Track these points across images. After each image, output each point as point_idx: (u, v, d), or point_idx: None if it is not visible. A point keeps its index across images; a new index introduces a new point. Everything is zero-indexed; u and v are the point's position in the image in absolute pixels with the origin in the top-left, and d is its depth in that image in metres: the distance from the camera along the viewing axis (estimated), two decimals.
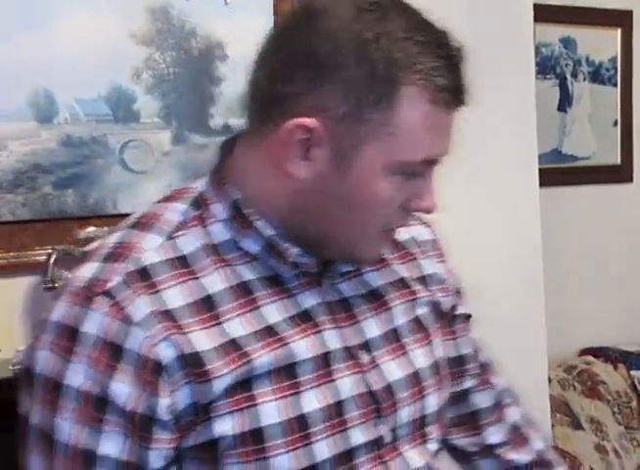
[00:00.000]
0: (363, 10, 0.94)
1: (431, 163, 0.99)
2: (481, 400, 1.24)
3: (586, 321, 3.16)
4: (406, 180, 0.98)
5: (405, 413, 1.07)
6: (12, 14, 1.99)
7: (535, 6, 2.54)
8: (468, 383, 1.24)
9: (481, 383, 1.25)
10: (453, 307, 1.21)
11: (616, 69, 3.24)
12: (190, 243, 1.00)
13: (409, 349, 1.09)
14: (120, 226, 1.05)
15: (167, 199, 1.06)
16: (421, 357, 1.10)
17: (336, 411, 1.01)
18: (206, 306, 0.98)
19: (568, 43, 3.14)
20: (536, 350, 2.49)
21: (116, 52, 2.13)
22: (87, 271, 0.98)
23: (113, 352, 0.94)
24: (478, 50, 2.92)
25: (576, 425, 2.85)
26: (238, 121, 2.33)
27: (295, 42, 0.96)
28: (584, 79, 3.20)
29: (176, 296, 0.97)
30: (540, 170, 2.60)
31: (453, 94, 0.97)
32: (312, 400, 0.99)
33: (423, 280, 1.15)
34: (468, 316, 1.23)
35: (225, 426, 0.96)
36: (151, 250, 0.99)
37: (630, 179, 3.32)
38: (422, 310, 1.13)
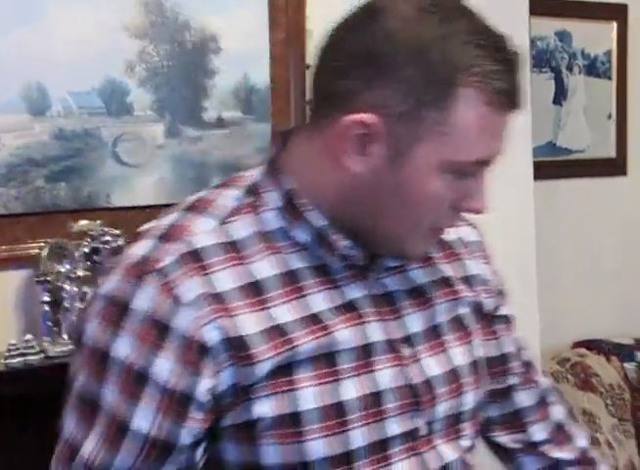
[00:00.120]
0: (424, 11, 0.97)
1: (483, 163, 1.01)
2: (525, 399, 1.27)
3: (580, 314, 3.17)
4: (458, 179, 1.00)
5: (442, 408, 1.09)
6: (5, 7, 1.98)
7: (531, 0, 2.54)
8: (511, 381, 1.26)
9: (525, 381, 1.27)
10: (495, 308, 1.23)
11: (611, 62, 3.24)
12: (242, 229, 1.03)
13: (448, 346, 1.12)
14: (174, 209, 1.08)
15: (222, 185, 1.09)
16: (460, 356, 1.12)
17: (373, 401, 1.03)
18: (254, 291, 1.00)
19: (563, 37, 3.14)
20: (530, 342, 2.49)
21: (110, 45, 2.12)
22: (140, 249, 1.01)
23: (159, 329, 0.97)
24: None
25: None
26: (231, 114, 2.35)
27: (356, 40, 0.98)
28: (579, 73, 3.20)
29: (226, 279, 0.99)
30: (535, 163, 2.60)
31: (508, 97, 0.99)
32: (351, 389, 1.01)
33: (467, 280, 1.17)
34: (509, 317, 1.26)
35: (264, 408, 0.99)
36: (204, 233, 1.02)
37: (624, 173, 3.32)
38: (464, 310, 1.15)
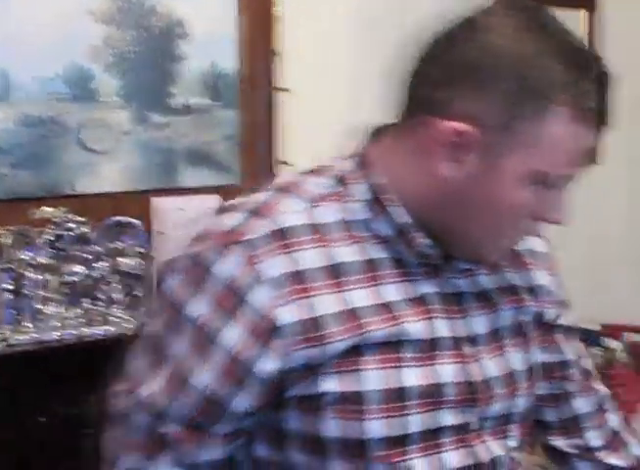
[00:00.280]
0: (524, 29, 1.02)
1: (568, 177, 1.06)
2: (583, 405, 1.31)
3: None
4: (541, 191, 1.04)
5: (496, 408, 1.14)
6: None
7: None
8: (570, 387, 1.30)
9: (584, 389, 1.31)
10: (556, 318, 1.27)
11: None
12: (328, 214, 1.07)
13: (507, 350, 1.16)
14: (265, 188, 1.11)
15: (310, 172, 1.12)
16: (517, 361, 1.17)
17: (432, 392, 1.08)
18: (334, 274, 1.04)
19: None
20: None
21: (75, 30, 2.10)
22: (230, 220, 1.05)
23: (236, 299, 1.01)
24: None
25: None
26: (199, 100, 2.33)
27: (457, 52, 1.03)
28: None
29: (309, 258, 1.03)
30: None
31: (598, 115, 1.04)
32: (412, 377, 1.06)
33: (532, 290, 1.21)
34: (570, 326, 1.30)
35: (330, 384, 1.03)
36: (292, 212, 1.06)
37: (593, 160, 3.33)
38: (526, 318, 1.20)
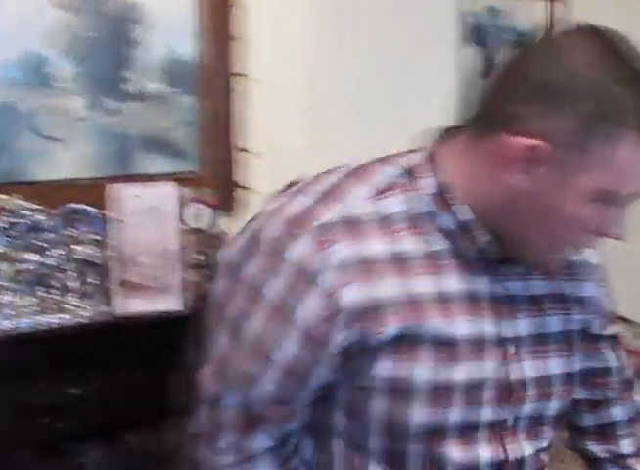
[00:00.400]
0: (603, 54, 1.07)
1: (632, 196, 1.12)
2: (621, 413, 1.37)
3: None
4: (605, 208, 1.09)
5: (529, 408, 1.20)
6: None
7: None
8: (610, 394, 1.36)
9: (623, 397, 1.37)
10: (602, 328, 1.33)
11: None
12: (394, 205, 1.13)
13: (549, 355, 1.22)
14: (333, 172, 1.17)
15: (380, 161, 1.18)
16: (557, 366, 1.22)
17: (476, 387, 1.14)
18: (397, 261, 1.10)
19: (494, 13, 3.14)
20: None
21: (30, 15, 2.07)
22: (301, 204, 1.12)
23: (307, 280, 1.08)
24: (402, 20, 2.93)
25: None
26: (156, 87, 2.30)
27: (539, 71, 1.08)
28: (510, 48, 3.21)
29: (374, 246, 1.10)
30: None
31: None
32: (460, 372, 1.12)
33: (580, 300, 1.27)
34: (616, 336, 1.36)
35: (382, 368, 1.10)
36: (362, 199, 1.12)
37: None
38: (571, 327, 1.25)
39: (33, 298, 1.99)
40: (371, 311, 1.09)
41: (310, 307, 1.08)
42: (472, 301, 1.14)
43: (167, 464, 2.11)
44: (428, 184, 1.14)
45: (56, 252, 2.02)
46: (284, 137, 2.50)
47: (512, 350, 1.17)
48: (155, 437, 2.08)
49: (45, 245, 2.00)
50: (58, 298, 2.00)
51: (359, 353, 1.10)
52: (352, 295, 1.08)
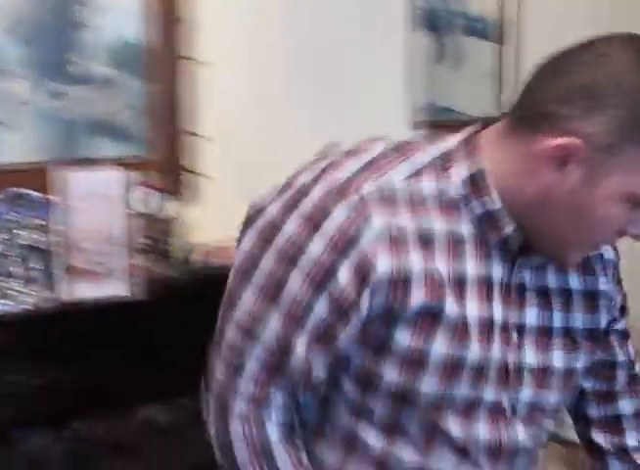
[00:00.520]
0: None
1: None
2: (628, 407, 1.41)
3: None
4: (631, 209, 1.15)
5: (527, 395, 1.25)
6: None
7: None
8: (617, 387, 1.40)
9: (630, 391, 1.41)
10: (613, 323, 1.37)
11: (492, 23, 3.26)
12: (428, 186, 1.18)
13: (552, 348, 1.27)
14: (379, 142, 1.22)
15: (425, 141, 1.24)
16: (559, 359, 1.27)
17: (482, 366, 1.20)
18: (426, 238, 1.17)
19: None
20: None
21: None
22: (346, 172, 1.17)
23: (347, 243, 1.14)
24: (353, 3, 2.91)
25: None
26: (102, 70, 2.27)
27: (580, 75, 1.13)
28: (462, 33, 3.21)
29: (408, 220, 1.16)
30: (416, 124, 2.60)
31: None
32: (472, 349, 1.19)
33: (593, 295, 1.31)
34: (626, 331, 1.40)
35: (402, 337, 1.16)
36: (401, 176, 1.18)
37: None
38: (580, 321, 1.29)
39: None
40: (400, 283, 1.15)
41: (344, 274, 1.14)
42: (485, 285, 1.20)
43: (116, 452, 2.10)
44: (461, 170, 1.19)
45: None
46: (235, 121, 2.48)
47: (514, 336, 1.23)
48: (103, 424, 2.06)
49: None
50: (1, 284, 1.97)
51: (382, 321, 1.16)
52: (384, 264, 1.14)
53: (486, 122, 1.24)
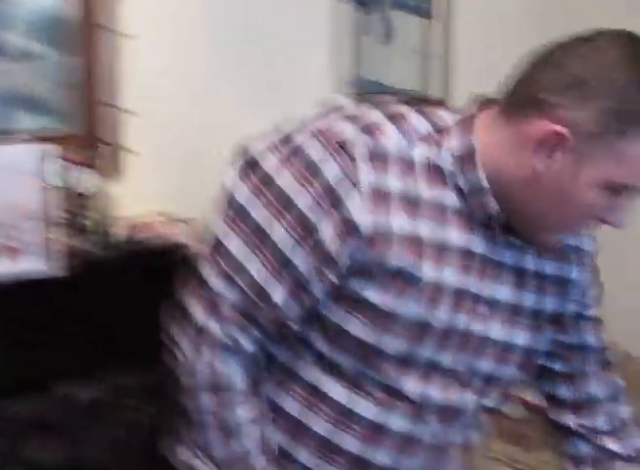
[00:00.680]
0: (634, 57, 1.18)
1: (636, 188, 1.22)
2: (599, 391, 1.45)
3: None
4: (610, 196, 1.20)
5: (485, 366, 1.31)
6: None
7: None
8: (588, 370, 1.44)
9: (603, 376, 1.45)
10: (585, 308, 1.42)
11: None
12: (421, 155, 1.24)
13: (517, 326, 1.32)
14: (377, 107, 1.27)
15: (417, 111, 1.28)
16: (523, 339, 1.33)
17: (447, 332, 1.25)
18: (412, 202, 1.22)
19: None
20: None
21: None
22: (344, 132, 1.21)
23: (333, 200, 1.18)
24: None
25: None
26: (35, 46, 2.22)
27: (570, 64, 1.19)
28: (391, 8, 3.20)
29: (396, 184, 1.21)
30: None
31: None
32: (439, 316, 1.23)
33: (566, 282, 1.37)
34: (597, 318, 1.44)
35: (373, 294, 1.20)
36: (394, 140, 1.23)
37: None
38: (550, 306, 1.35)
39: None
40: (380, 240, 1.19)
41: (327, 228, 1.19)
42: (465, 256, 1.25)
43: (38, 429, 2.08)
44: (454, 145, 1.24)
45: None
46: (158, 95, 2.45)
47: (482, 309, 1.28)
48: (24, 402, 2.03)
49: None
50: None
51: (358, 275, 1.20)
52: (366, 220, 1.19)
53: (484, 102, 1.28)
